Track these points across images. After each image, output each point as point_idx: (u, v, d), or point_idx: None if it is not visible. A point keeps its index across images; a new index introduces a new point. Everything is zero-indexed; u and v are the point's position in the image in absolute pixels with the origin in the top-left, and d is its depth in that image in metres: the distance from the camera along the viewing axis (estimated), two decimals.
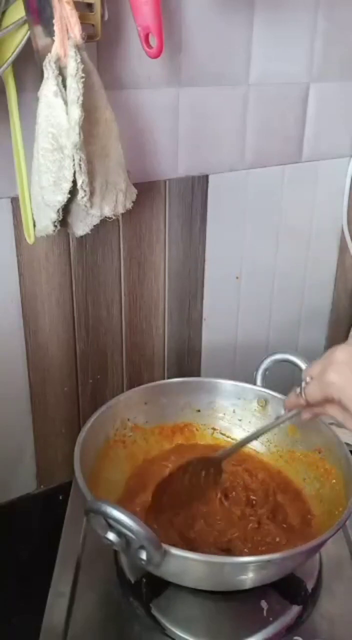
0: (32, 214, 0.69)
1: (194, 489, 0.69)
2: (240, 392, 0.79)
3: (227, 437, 0.79)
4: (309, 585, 0.65)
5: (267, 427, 0.70)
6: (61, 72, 0.59)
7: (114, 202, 0.67)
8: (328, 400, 0.59)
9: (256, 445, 0.77)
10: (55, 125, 0.60)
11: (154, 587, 0.63)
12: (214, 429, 0.80)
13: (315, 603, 0.64)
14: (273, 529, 0.66)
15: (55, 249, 0.75)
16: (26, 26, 0.59)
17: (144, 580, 0.64)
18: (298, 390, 0.62)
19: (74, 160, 0.61)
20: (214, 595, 0.62)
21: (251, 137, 0.85)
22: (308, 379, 0.61)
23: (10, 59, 0.60)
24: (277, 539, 0.65)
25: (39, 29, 0.59)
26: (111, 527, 0.52)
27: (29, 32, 0.59)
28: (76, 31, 0.58)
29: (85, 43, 0.59)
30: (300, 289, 1.02)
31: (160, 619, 0.61)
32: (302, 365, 0.73)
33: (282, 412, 0.68)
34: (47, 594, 0.63)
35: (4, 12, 0.58)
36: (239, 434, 0.79)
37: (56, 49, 0.59)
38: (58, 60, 0.59)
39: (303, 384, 0.61)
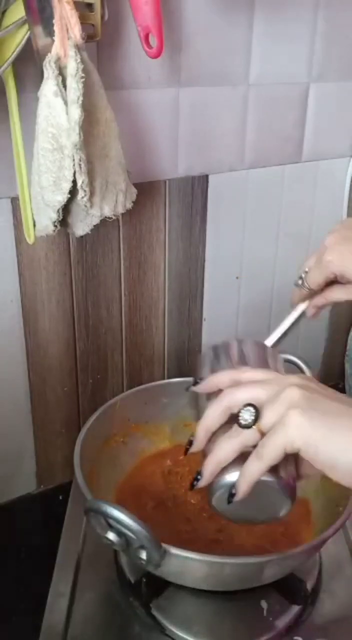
0: (32, 214, 0.69)
1: None
2: None
3: None
4: (309, 585, 0.65)
5: (285, 327, 0.69)
6: (61, 72, 0.59)
7: (114, 202, 0.67)
8: (329, 282, 0.63)
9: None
10: (55, 125, 0.60)
11: (154, 587, 0.63)
12: None
13: (315, 603, 0.64)
14: (273, 528, 0.66)
15: (55, 249, 0.75)
16: (26, 26, 0.59)
17: (144, 580, 0.64)
18: (300, 282, 0.65)
19: (74, 160, 0.61)
20: (214, 595, 0.62)
21: (251, 137, 0.85)
22: (307, 269, 0.64)
23: (10, 59, 0.60)
24: (277, 538, 0.65)
25: (38, 29, 0.59)
26: (111, 527, 0.52)
27: (29, 32, 0.59)
28: (76, 31, 0.58)
29: (85, 43, 0.59)
30: None
31: (160, 619, 0.61)
32: (303, 366, 0.73)
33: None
34: (47, 594, 0.63)
35: (4, 12, 0.58)
36: None
37: (56, 49, 0.59)
38: (58, 60, 0.59)
39: (303, 275, 0.65)
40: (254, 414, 0.46)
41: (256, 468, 0.46)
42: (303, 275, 0.64)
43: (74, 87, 0.58)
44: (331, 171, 0.96)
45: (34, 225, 0.69)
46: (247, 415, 0.47)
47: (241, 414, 0.47)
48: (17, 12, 0.58)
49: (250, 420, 0.46)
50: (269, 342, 0.66)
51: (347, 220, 0.68)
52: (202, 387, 0.55)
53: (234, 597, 0.62)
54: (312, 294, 0.65)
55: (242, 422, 0.47)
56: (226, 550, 0.63)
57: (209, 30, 0.75)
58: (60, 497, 0.82)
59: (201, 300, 0.91)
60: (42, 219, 0.67)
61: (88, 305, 0.81)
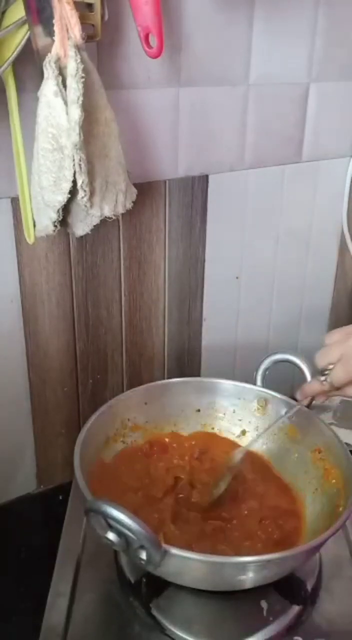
0: (32, 214, 0.69)
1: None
2: (240, 392, 0.79)
3: (227, 437, 0.79)
4: (309, 585, 0.65)
5: (286, 415, 0.72)
6: (61, 72, 0.59)
7: (114, 202, 0.67)
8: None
9: (255, 445, 0.77)
10: (55, 125, 0.60)
11: (154, 587, 0.63)
12: (213, 429, 0.80)
13: (315, 603, 0.64)
14: (273, 529, 0.66)
15: (55, 249, 0.75)
16: (26, 26, 0.59)
17: (144, 580, 0.64)
18: (323, 378, 0.64)
19: (74, 160, 0.61)
20: (214, 595, 0.62)
21: (251, 137, 0.85)
22: (330, 366, 0.64)
23: (10, 59, 0.60)
24: (276, 539, 0.65)
25: (38, 29, 0.59)
26: (111, 527, 0.52)
27: (29, 32, 0.59)
28: (76, 31, 0.58)
29: (85, 43, 0.59)
30: (300, 289, 1.02)
31: (160, 619, 0.61)
32: (302, 366, 0.73)
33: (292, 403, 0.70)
34: (47, 594, 0.63)
35: (4, 12, 0.58)
36: (238, 434, 0.79)
37: (56, 49, 0.59)
38: (58, 60, 0.59)
39: (327, 372, 0.64)
40: None
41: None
42: (327, 372, 0.64)
43: (74, 87, 0.58)
44: (331, 171, 0.96)
45: (34, 225, 0.69)
46: None
47: None
48: (17, 12, 0.58)
49: None
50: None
51: None
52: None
53: (234, 597, 0.62)
54: (331, 389, 0.65)
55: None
56: (226, 551, 0.63)
57: (209, 30, 0.75)
58: (60, 497, 0.82)
59: (201, 300, 0.91)
60: (42, 219, 0.67)
61: (88, 305, 0.81)
